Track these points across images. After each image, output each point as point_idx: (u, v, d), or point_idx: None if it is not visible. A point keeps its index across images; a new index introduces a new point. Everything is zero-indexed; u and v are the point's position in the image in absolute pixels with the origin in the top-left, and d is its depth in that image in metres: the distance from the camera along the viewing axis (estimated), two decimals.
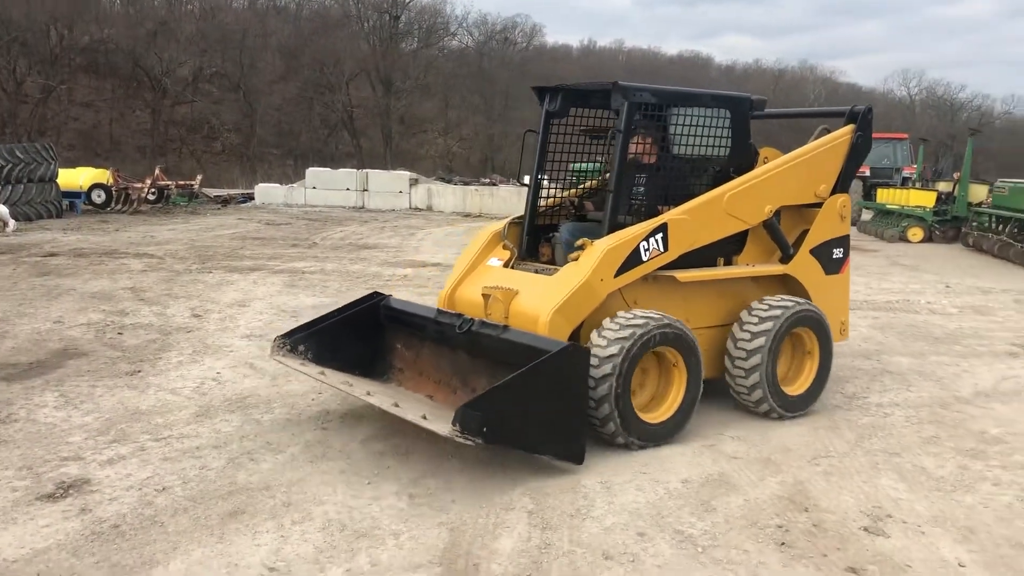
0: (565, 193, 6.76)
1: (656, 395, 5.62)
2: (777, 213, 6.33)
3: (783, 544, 4.15)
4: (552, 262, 6.24)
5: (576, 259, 5.59)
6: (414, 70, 56.33)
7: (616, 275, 5.55)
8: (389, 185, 27.10)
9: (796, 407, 6.14)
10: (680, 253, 5.80)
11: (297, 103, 48.98)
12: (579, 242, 5.68)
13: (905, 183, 23.58)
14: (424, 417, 4.77)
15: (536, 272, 6.00)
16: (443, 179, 35.33)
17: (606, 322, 5.40)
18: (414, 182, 27.49)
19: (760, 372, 5.86)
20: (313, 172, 28.24)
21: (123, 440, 5.42)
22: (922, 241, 19.40)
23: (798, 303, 6.10)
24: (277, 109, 48.21)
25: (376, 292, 6.57)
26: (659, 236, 5.67)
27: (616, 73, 75.98)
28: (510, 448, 4.93)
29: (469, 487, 4.77)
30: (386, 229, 19.95)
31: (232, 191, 30.16)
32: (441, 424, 4.62)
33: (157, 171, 24.87)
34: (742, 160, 6.34)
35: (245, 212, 24.08)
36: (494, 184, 34.88)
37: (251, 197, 27.89)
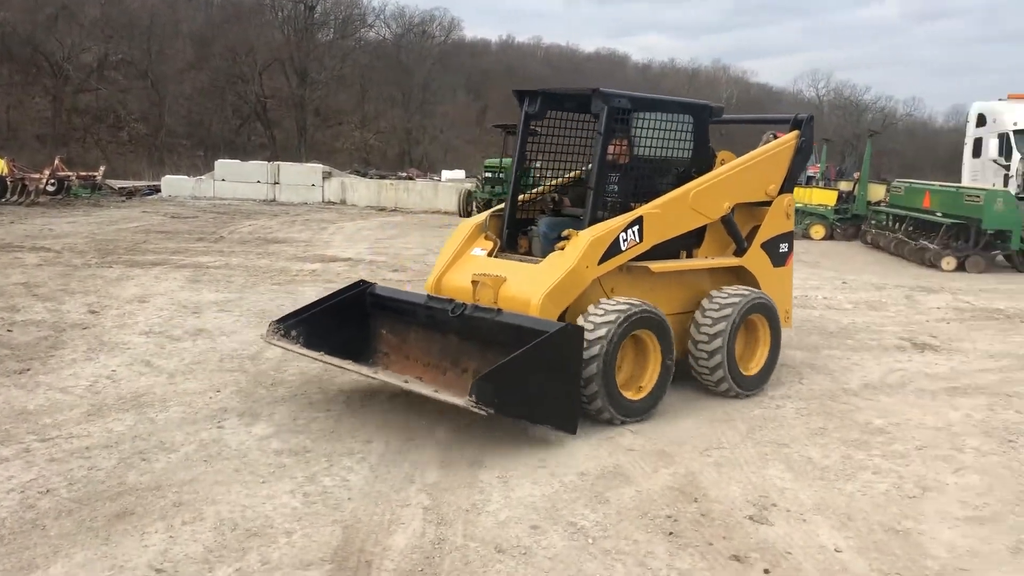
0: (540, 189, 7.22)
1: (633, 375, 6.08)
2: (732, 210, 6.86)
3: (671, 534, 4.27)
4: (530, 253, 6.66)
5: (563, 248, 6.06)
6: (330, 61, 55.56)
7: (599, 263, 6.04)
8: (301, 178, 26.72)
9: (751, 385, 6.73)
10: (653, 244, 6.33)
11: (208, 93, 47.84)
12: (565, 232, 6.17)
13: (809, 182, 24.34)
14: (436, 391, 5.27)
15: (520, 261, 6.41)
16: (358, 172, 35.00)
17: (591, 308, 5.85)
18: (327, 175, 27.17)
19: (721, 354, 6.40)
20: (222, 164, 27.65)
21: (6, 442, 5.23)
22: (824, 239, 20.08)
23: (752, 292, 6.72)
24: (187, 99, 47.00)
25: (362, 280, 6.92)
26: (635, 228, 6.19)
27: (534, 69, 76.38)
28: (516, 418, 5.33)
29: (365, 485, 4.75)
30: (297, 223, 19.68)
31: (138, 183, 29.32)
32: (456, 396, 5.07)
33: (56, 161, 24.00)
34: (702, 162, 6.96)
35: (150, 205, 23.43)
36: (411, 178, 34.71)
37: (157, 189, 27.15)
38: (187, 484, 4.68)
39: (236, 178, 26.72)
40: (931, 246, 15.60)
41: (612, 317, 5.73)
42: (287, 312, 6.68)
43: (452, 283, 6.50)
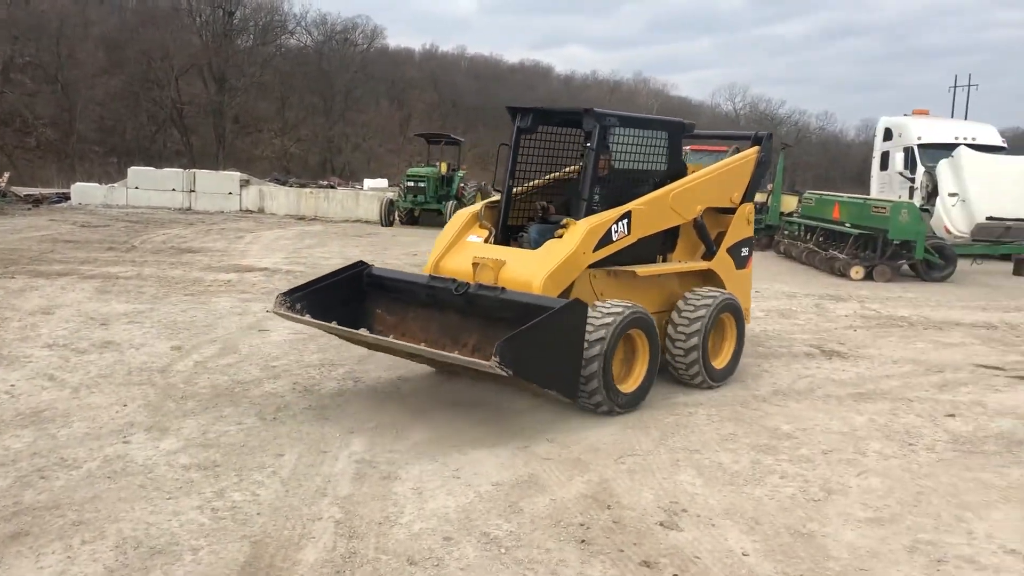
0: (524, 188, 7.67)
1: (623, 370, 6.57)
2: (703, 215, 7.56)
3: (583, 541, 4.30)
4: None
5: (561, 236, 6.63)
6: (249, 68, 54.65)
7: (595, 250, 6.63)
8: (218, 186, 26.16)
9: (721, 377, 7.42)
10: (638, 237, 6.97)
11: (122, 98, 46.48)
12: (564, 221, 6.73)
13: None
14: (457, 354, 5.80)
15: (517, 248, 7.01)
16: (278, 180, 34.50)
17: (590, 310, 6.17)
18: (245, 183, 26.67)
19: (697, 351, 7.08)
20: (135, 171, 26.90)
21: None
22: None
23: (722, 293, 7.43)
24: (100, 104, 45.58)
25: (361, 261, 7.27)
26: (625, 221, 6.83)
27: (459, 78, 76.43)
28: (529, 381, 5.63)
29: (276, 500, 4.67)
30: (212, 232, 19.25)
31: (46, 190, 28.28)
32: (478, 360, 5.51)
33: None
34: (676, 173, 7.60)
35: (59, 213, 22.64)
36: (332, 187, 34.34)
37: (67, 197, 26.25)
38: (88, 502, 4.53)
39: (150, 186, 26.03)
40: (840, 256, 16.11)
41: (610, 320, 6.22)
42: (291, 287, 6.92)
43: (450, 266, 6.96)
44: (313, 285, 6.86)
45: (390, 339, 6.26)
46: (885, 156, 22.47)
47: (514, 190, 7.49)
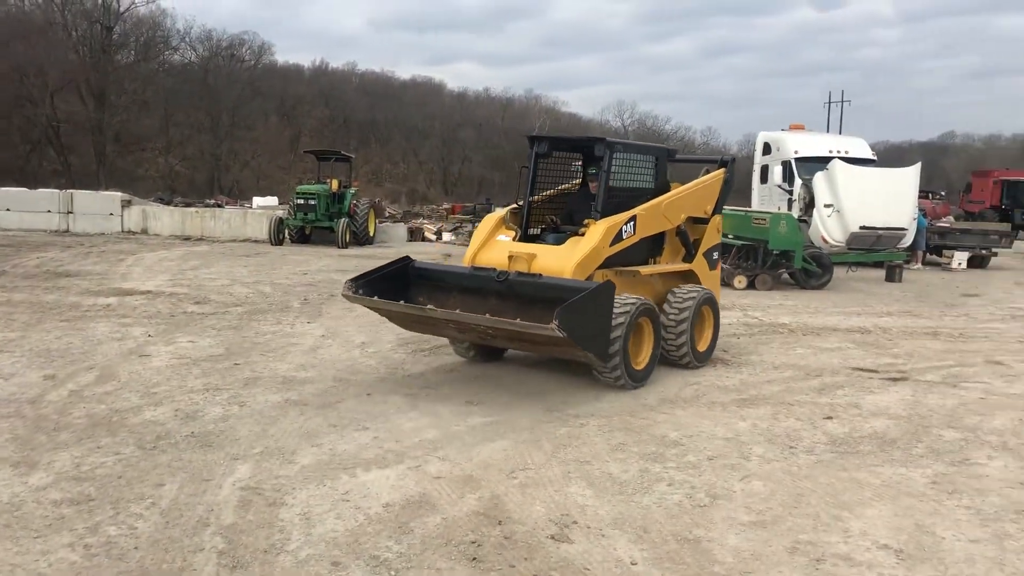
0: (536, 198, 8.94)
1: (634, 351, 7.80)
2: (685, 223, 9.06)
3: (474, 559, 4.27)
4: None
5: (583, 234, 7.98)
6: (131, 84, 52.80)
7: (611, 245, 7.97)
8: (98, 207, 25.15)
9: (703, 358, 8.89)
10: (640, 237, 8.37)
11: None
12: (586, 221, 8.14)
13: None
14: (517, 320, 6.78)
15: (542, 244, 8.28)
16: (162, 200, 33.40)
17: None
18: (127, 203, 25.71)
19: (686, 335, 8.45)
20: (5, 192, 25.60)
21: None
22: None
23: (703, 289, 8.93)
24: None
25: (407, 256, 8.55)
26: (631, 223, 8.21)
27: (350, 94, 75.70)
28: (577, 344, 6.76)
29: (155, 532, 4.48)
30: (92, 255, 18.47)
31: None
32: (540, 325, 6.55)
33: None
34: (661, 189, 9.06)
35: None
36: (219, 205, 33.46)
37: None
38: None
39: (23, 207, 24.80)
40: (724, 266, 16.62)
41: (628, 308, 7.54)
42: (354, 276, 8.03)
43: (485, 259, 8.15)
44: (369, 275, 8.00)
45: (456, 312, 7.17)
46: (764, 170, 23.32)
47: (518, 203, 8.77)
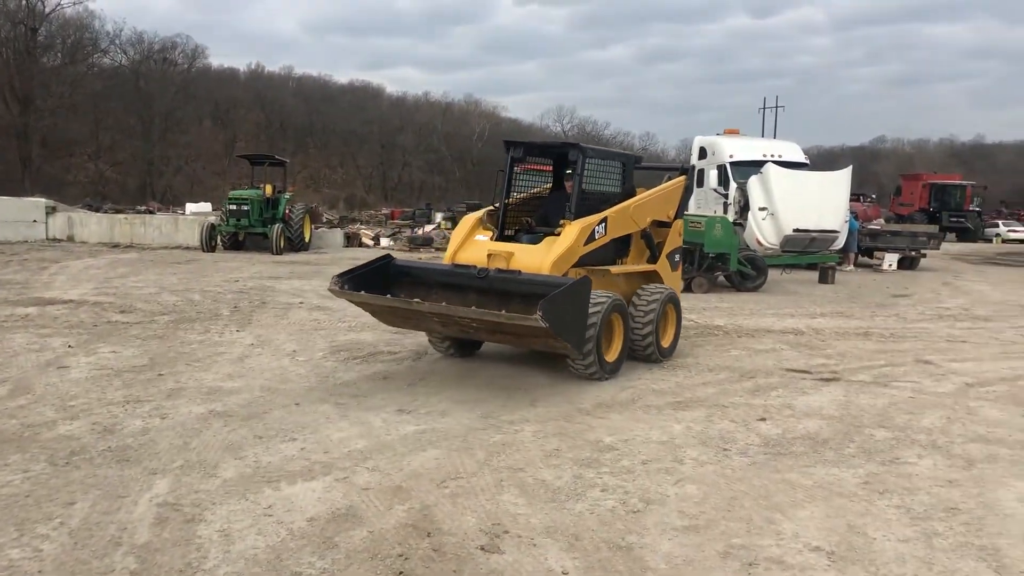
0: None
1: (606, 345, 8.27)
2: (650, 226, 9.56)
3: (401, 573, 4.13)
4: None
5: (559, 233, 8.35)
6: (58, 87, 51.37)
7: (585, 244, 8.35)
8: (20, 214, 24.33)
9: (667, 353, 9.36)
10: (611, 237, 8.82)
11: None
12: (562, 221, 8.50)
13: None
14: (503, 312, 7.10)
15: (519, 243, 8.57)
16: (90, 206, 32.51)
17: None
18: (52, 210, 24.93)
19: (652, 331, 8.88)
20: None
21: None
22: None
23: (667, 288, 9.40)
24: None
25: (388, 254, 8.73)
26: (603, 224, 8.62)
27: (286, 98, 74.73)
28: (558, 334, 7.01)
29: (63, 554, 4.24)
30: (13, 263, 17.82)
31: None
32: (525, 315, 6.88)
33: None
34: (628, 193, 9.48)
35: None
36: (150, 212, 32.68)
37: None
38: None
39: None
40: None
41: (602, 303, 7.99)
42: (340, 272, 8.22)
43: (464, 257, 8.43)
44: (353, 272, 8.15)
45: (443, 305, 7.40)
46: (700, 173, 23.54)
47: (494, 205, 9.09)
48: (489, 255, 8.35)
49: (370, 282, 8.14)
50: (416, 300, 7.50)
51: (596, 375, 8.08)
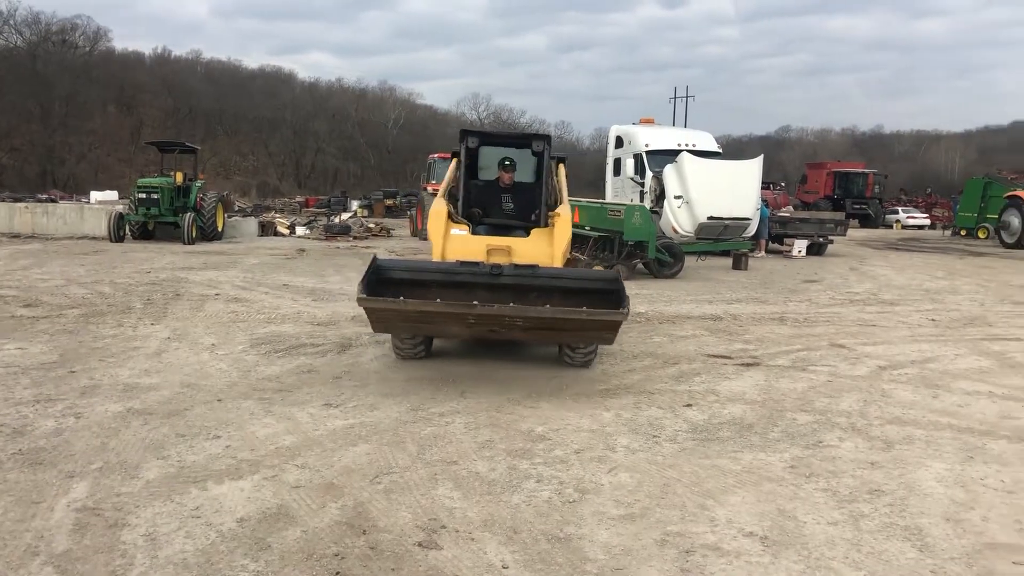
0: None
1: None
2: None
3: (338, 573, 4.03)
4: None
5: (553, 224, 8.37)
6: None
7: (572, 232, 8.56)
8: None
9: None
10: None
11: None
12: (552, 213, 8.61)
13: None
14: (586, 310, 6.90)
15: (501, 236, 8.48)
16: None
17: None
18: None
19: None
20: None
21: None
22: None
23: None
24: None
25: (376, 256, 7.90)
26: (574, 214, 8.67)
27: (195, 84, 72.58)
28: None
29: None
30: None
31: None
32: (611, 311, 6.93)
33: None
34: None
35: None
36: (53, 200, 31.39)
37: None
38: None
39: None
40: (582, 257, 16.79)
41: None
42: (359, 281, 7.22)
43: (455, 254, 8.02)
44: (369, 278, 7.16)
45: (510, 305, 6.96)
46: (618, 162, 23.81)
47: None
48: (489, 250, 8.10)
49: (377, 286, 7.39)
50: (475, 302, 6.93)
51: (591, 362, 8.37)
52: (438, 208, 8.46)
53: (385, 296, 7.01)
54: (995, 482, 5.45)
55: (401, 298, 6.87)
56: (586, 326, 7.17)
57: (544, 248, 8.18)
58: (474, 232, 8.66)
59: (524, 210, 9.08)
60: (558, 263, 7.97)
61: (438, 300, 7.01)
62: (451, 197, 8.98)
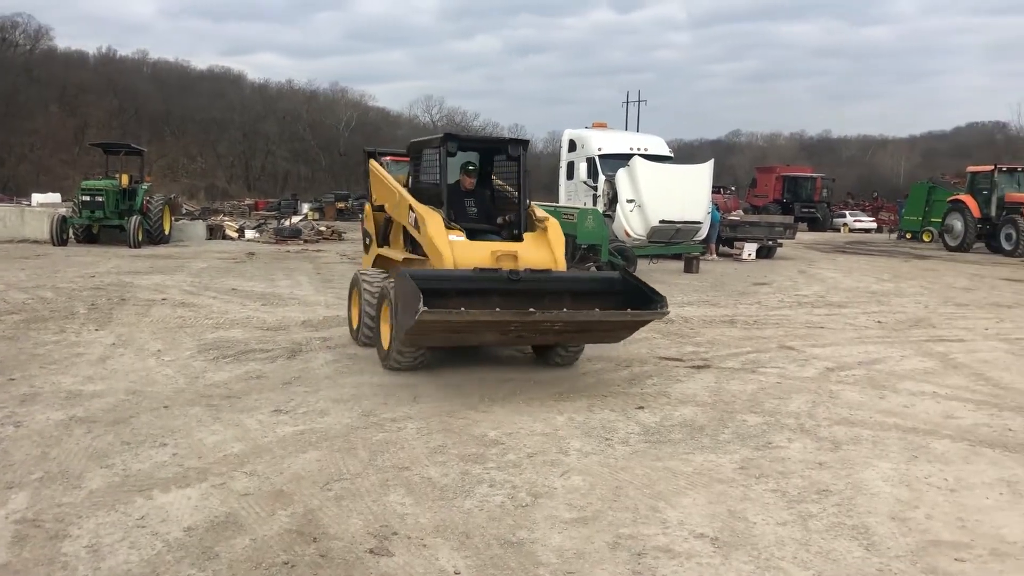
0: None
1: None
2: None
3: None
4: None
5: (546, 228, 8.53)
6: None
7: None
8: None
9: None
10: None
11: None
12: (543, 218, 8.68)
13: None
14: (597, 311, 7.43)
15: (497, 241, 8.43)
16: None
17: None
18: None
19: None
20: None
21: None
22: None
23: None
24: None
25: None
26: None
27: (141, 84, 71.32)
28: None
29: None
30: None
31: None
32: (654, 311, 7.53)
33: None
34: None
35: None
36: None
37: None
38: None
39: None
40: None
41: None
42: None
43: (463, 260, 7.91)
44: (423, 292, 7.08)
45: (564, 311, 7.23)
46: (571, 166, 23.87)
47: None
48: (497, 256, 8.06)
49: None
50: (532, 310, 7.07)
51: (578, 357, 8.69)
52: (434, 216, 8.31)
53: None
54: (939, 481, 5.56)
55: (462, 308, 6.90)
56: (618, 326, 7.69)
57: (546, 253, 8.28)
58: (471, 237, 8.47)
59: (486, 215, 9.00)
60: (561, 266, 8.14)
61: (497, 309, 7.12)
62: (431, 202, 8.69)
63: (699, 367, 8.92)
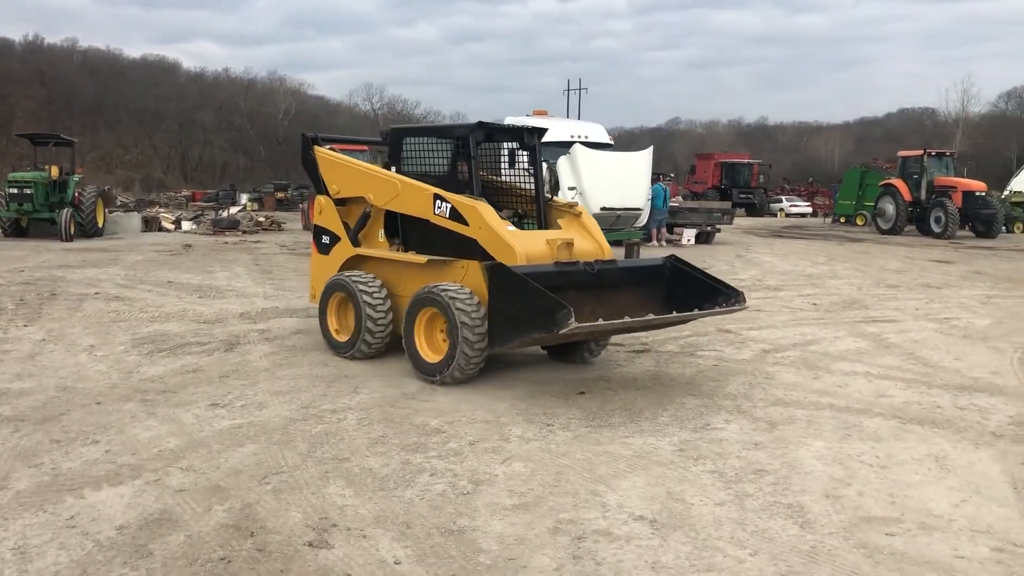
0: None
1: None
2: None
3: None
4: None
5: (578, 214, 8.35)
6: None
7: None
8: None
9: None
10: None
11: None
12: (565, 206, 8.58)
13: None
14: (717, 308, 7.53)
15: (540, 229, 8.26)
16: None
17: None
18: None
19: None
20: None
21: None
22: None
23: None
24: None
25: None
26: None
27: (71, 73, 69.31)
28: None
29: None
30: None
31: None
32: (734, 307, 7.55)
33: None
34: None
35: None
36: None
37: None
38: None
39: None
40: None
41: None
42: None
43: (528, 252, 7.43)
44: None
45: (673, 314, 7.26)
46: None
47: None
48: (556, 245, 7.71)
49: None
50: (649, 315, 7.14)
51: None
52: (486, 206, 7.75)
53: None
54: (870, 458, 5.70)
55: (599, 320, 6.68)
56: (689, 319, 7.76)
57: (591, 240, 8.07)
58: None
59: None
60: (609, 253, 7.98)
61: (627, 318, 6.87)
62: (460, 189, 8.17)
63: (639, 352, 9.01)
